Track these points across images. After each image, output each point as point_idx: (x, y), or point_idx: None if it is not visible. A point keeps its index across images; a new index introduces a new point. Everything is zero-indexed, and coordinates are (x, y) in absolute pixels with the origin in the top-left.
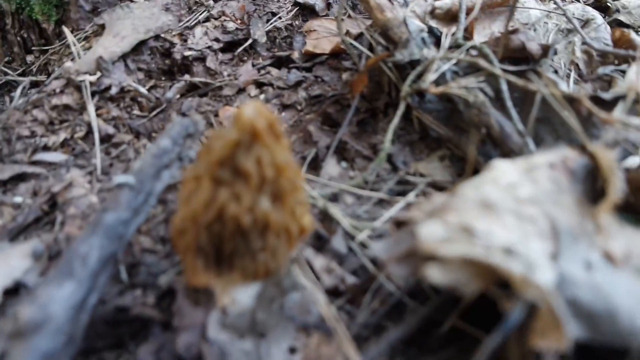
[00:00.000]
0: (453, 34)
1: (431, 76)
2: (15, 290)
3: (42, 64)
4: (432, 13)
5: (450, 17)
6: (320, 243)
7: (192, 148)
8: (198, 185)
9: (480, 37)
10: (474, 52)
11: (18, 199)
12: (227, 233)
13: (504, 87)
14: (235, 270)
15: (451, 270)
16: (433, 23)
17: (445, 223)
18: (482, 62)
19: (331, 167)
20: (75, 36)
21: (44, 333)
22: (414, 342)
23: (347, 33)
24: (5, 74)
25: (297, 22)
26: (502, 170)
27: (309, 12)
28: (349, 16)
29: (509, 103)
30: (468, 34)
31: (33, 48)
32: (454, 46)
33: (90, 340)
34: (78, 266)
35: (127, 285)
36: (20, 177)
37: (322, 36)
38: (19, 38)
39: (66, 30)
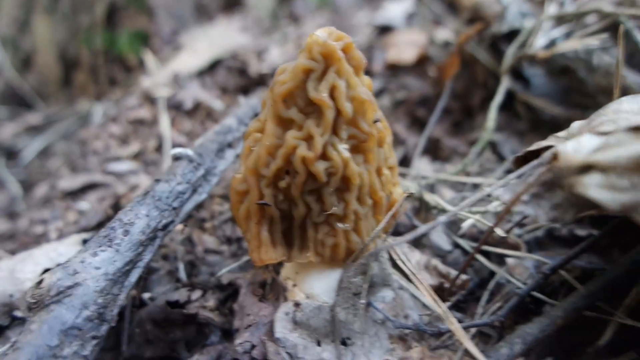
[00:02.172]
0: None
1: (539, 41)
2: None
3: (124, 92)
4: None
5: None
6: (415, 239)
7: None
8: (263, 132)
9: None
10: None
11: (85, 205)
12: (297, 188)
13: None
14: (309, 247)
15: (618, 179)
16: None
17: (599, 134)
18: (605, 7)
19: (423, 164)
20: (155, 59)
21: (68, 303)
22: (559, 344)
23: (432, 40)
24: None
25: (376, 40)
26: None
27: (388, 31)
28: (434, 22)
29: None
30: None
31: (118, 80)
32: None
33: (136, 347)
34: (119, 234)
35: (184, 284)
36: (90, 186)
37: (403, 48)
38: (106, 74)
39: (146, 52)
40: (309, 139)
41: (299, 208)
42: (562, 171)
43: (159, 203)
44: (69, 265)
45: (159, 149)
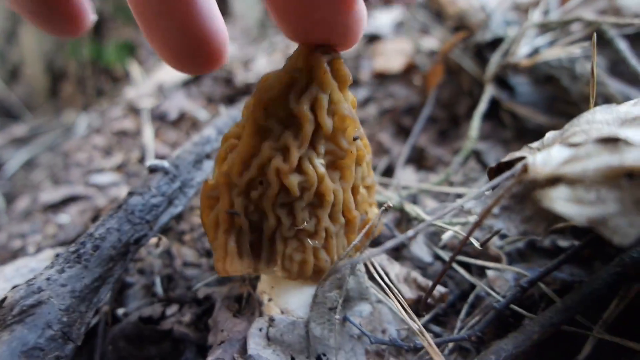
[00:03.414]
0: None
1: (522, 49)
2: None
3: (110, 103)
4: (512, 7)
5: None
6: (396, 251)
7: None
8: (239, 139)
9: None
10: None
11: (65, 218)
12: (269, 200)
13: (622, 45)
14: (276, 262)
15: (585, 192)
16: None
17: (569, 145)
18: (587, 16)
19: (407, 174)
20: (141, 69)
21: (30, 322)
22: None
23: (418, 49)
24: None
25: (364, 49)
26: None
27: (376, 40)
28: (420, 31)
29: (634, 61)
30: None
31: (105, 91)
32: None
33: None
34: (88, 249)
35: (160, 299)
36: (71, 199)
37: (391, 57)
38: (93, 85)
39: (132, 63)
40: (285, 151)
41: (270, 220)
42: (530, 184)
43: (131, 216)
44: (34, 282)
45: (142, 160)
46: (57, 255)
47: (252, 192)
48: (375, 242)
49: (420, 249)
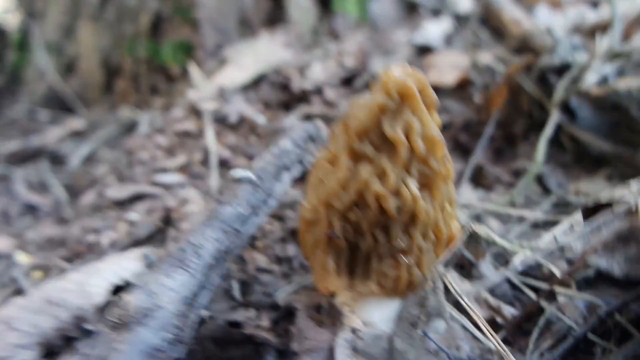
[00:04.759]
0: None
1: (591, 77)
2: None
3: (166, 102)
4: (575, 29)
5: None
6: (463, 270)
7: (314, 153)
8: (333, 164)
9: None
10: None
11: (134, 216)
12: (367, 222)
13: None
14: (371, 278)
15: None
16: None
17: None
18: None
19: (467, 193)
20: (200, 70)
21: (150, 325)
22: None
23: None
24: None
25: (415, 60)
26: None
27: (427, 52)
28: (474, 46)
29: None
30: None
31: (159, 89)
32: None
33: None
34: (191, 257)
35: (240, 303)
36: (139, 197)
37: (443, 70)
38: (147, 82)
39: (191, 65)
40: (382, 175)
41: (367, 240)
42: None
43: (224, 226)
44: (146, 286)
45: (204, 162)
46: (148, 256)
47: (350, 214)
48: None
49: (489, 269)
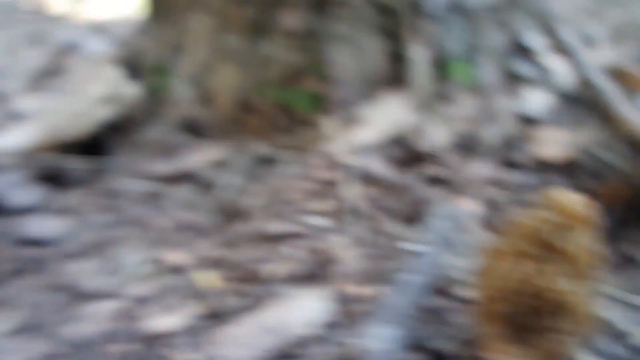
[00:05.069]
0: None
1: None
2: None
3: (298, 144)
4: None
5: None
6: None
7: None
8: (501, 257)
9: None
10: None
11: (286, 251)
12: (528, 307)
13: None
14: (527, 349)
15: None
16: None
17: None
18: None
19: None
20: (330, 124)
21: None
22: None
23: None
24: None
25: (518, 130)
26: None
27: (530, 122)
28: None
29: None
30: None
31: (290, 131)
32: None
33: None
34: (396, 316)
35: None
36: (291, 235)
37: (548, 144)
38: (278, 123)
39: (321, 117)
40: (545, 274)
41: (527, 319)
42: None
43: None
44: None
45: (347, 210)
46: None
47: (516, 300)
48: None
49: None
